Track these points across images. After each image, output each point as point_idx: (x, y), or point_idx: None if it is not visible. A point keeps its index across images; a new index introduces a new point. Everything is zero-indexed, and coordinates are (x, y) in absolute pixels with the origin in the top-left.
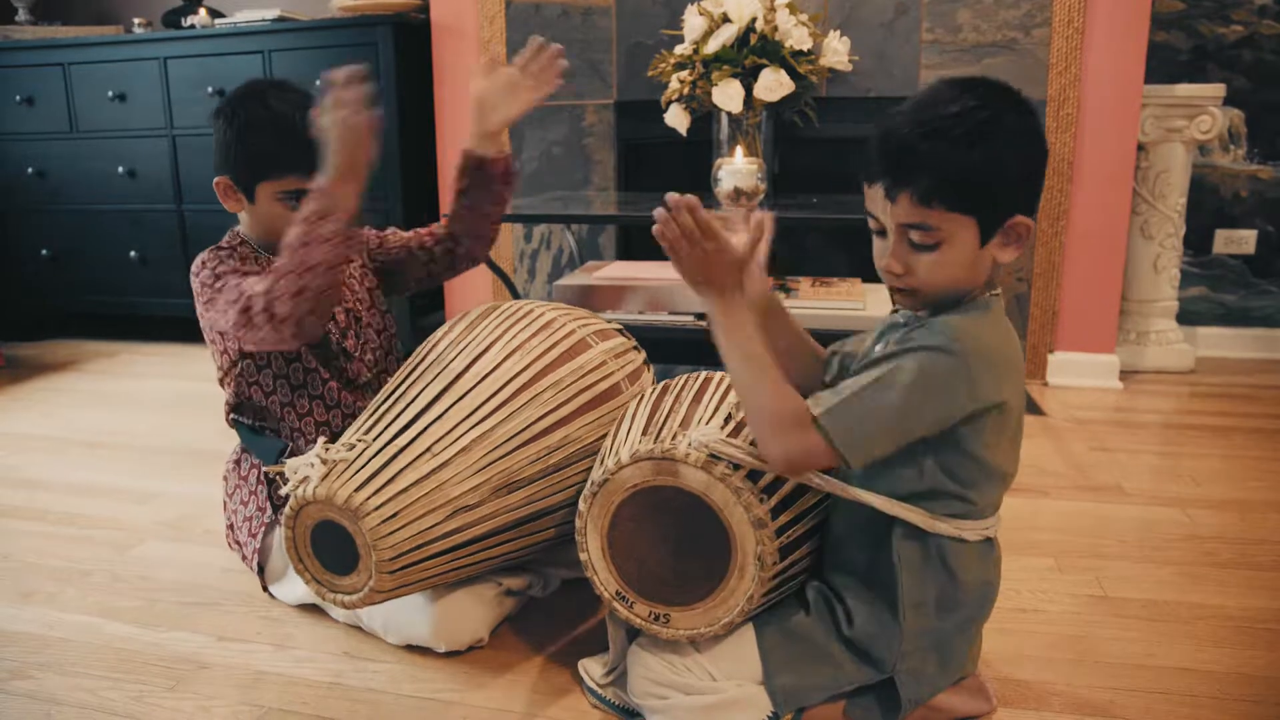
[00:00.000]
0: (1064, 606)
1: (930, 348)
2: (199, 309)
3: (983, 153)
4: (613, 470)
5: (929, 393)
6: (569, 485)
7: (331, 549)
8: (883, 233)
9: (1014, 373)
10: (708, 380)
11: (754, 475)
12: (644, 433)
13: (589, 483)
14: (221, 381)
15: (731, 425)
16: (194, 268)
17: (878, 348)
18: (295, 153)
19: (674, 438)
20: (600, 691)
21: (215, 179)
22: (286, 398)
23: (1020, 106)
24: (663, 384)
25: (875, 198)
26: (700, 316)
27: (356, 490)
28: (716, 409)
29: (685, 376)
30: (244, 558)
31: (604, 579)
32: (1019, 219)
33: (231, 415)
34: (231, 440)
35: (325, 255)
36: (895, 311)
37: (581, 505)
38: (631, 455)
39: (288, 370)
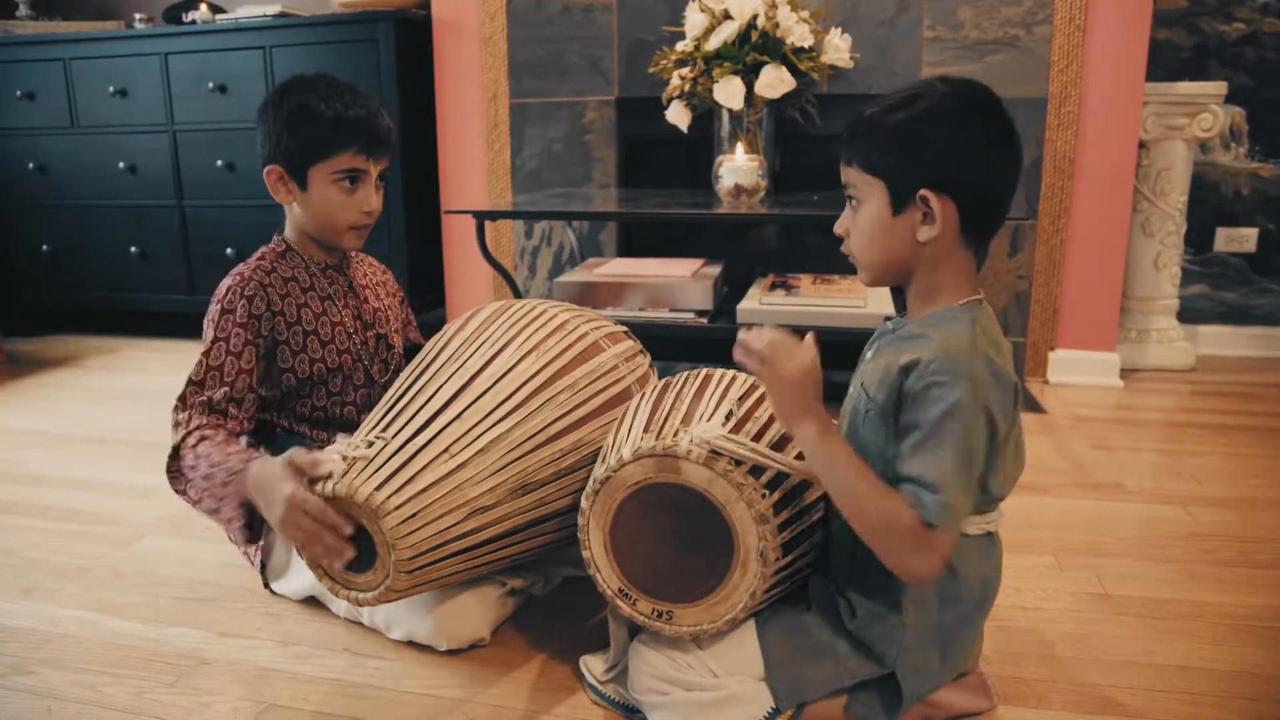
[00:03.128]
0: (1064, 604)
1: (943, 385)
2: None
3: (894, 122)
4: (615, 468)
5: (968, 430)
6: (578, 488)
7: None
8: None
9: (1007, 377)
10: (708, 377)
11: (756, 471)
12: (645, 430)
13: (591, 480)
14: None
15: (733, 422)
16: (218, 291)
17: (869, 354)
18: (347, 132)
19: (675, 434)
20: (601, 688)
21: (266, 169)
22: (300, 422)
23: (950, 100)
24: (663, 381)
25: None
26: (700, 314)
27: (377, 489)
28: (718, 406)
29: (686, 374)
30: (245, 553)
31: (607, 576)
32: (927, 193)
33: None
34: None
35: (209, 510)
36: (886, 319)
37: (584, 503)
38: (633, 452)
39: (309, 412)
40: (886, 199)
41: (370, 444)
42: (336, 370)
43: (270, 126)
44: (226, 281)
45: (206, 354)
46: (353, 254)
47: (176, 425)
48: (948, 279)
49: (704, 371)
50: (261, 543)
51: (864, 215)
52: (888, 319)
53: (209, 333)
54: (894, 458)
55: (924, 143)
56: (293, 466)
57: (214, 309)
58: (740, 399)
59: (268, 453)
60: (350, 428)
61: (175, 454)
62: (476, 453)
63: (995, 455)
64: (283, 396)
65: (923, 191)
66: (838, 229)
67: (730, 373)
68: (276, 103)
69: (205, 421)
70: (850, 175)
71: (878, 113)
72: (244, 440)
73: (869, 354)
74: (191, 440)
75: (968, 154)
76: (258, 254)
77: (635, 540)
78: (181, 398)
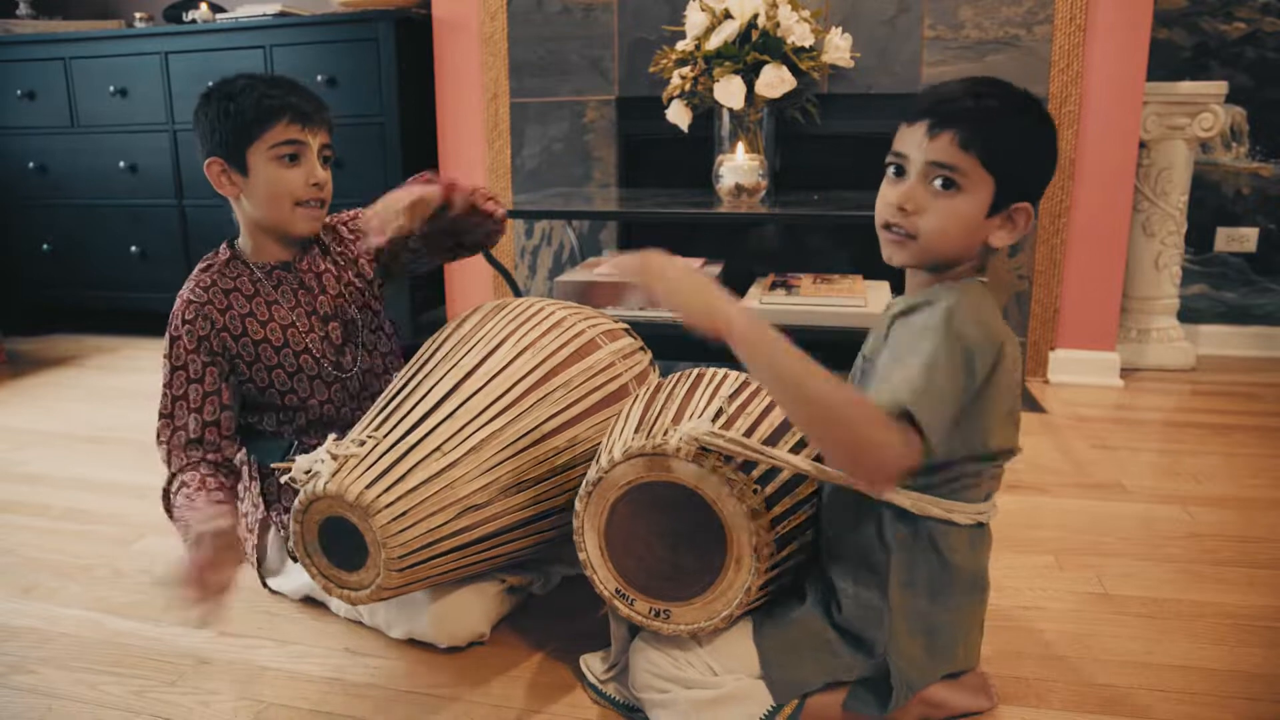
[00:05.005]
0: (1064, 604)
1: (939, 326)
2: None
3: (1020, 128)
4: (606, 468)
5: (954, 366)
6: (573, 486)
7: (340, 545)
8: (902, 173)
9: (1006, 349)
10: (700, 376)
11: (747, 467)
12: (637, 430)
13: (584, 482)
14: None
15: (723, 418)
16: (169, 318)
17: (871, 337)
18: (273, 105)
19: (665, 433)
20: (601, 687)
21: (206, 164)
22: (278, 420)
23: (1053, 125)
24: (657, 383)
25: (912, 135)
26: None
27: (367, 487)
28: (709, 403)
29: (678, 374)
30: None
31: (603, 577)
32: (1024, 205)
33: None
34: None
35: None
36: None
37: (578, 505)
38: (624, 452)
39: (278, 413)
40: (990, 199)
41: (362, 443)
42: (298, 372)
43: (202, 125)
44: (174, 306)
45: (169, 385)
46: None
47: (163, 462)
48: (970, 269)
49: (695, 371)
50: (256, 543)
51: (958, 206)
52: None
53: (165, 365)
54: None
55: (1043, 159)
56: (222, 543)
57: (166, 339)
58: (731, 396)
59: (256, 443)
60: (334, 425)
61: (165, 495)
62: (468, 451)
63: (979, 401)
64: (259, 406)
65: (1024, 205)
66: (904, 202)
67: (722, 371)
68: (204, 102)
69: (186, 462)
70: (960, 159)
71: (1001, 111)
72: (217, 480)
73: (871, 336)
74: (174, 486)
75: (1051, 174)
76: (200, 265)
77: (630, 540)
78: (157, 433)
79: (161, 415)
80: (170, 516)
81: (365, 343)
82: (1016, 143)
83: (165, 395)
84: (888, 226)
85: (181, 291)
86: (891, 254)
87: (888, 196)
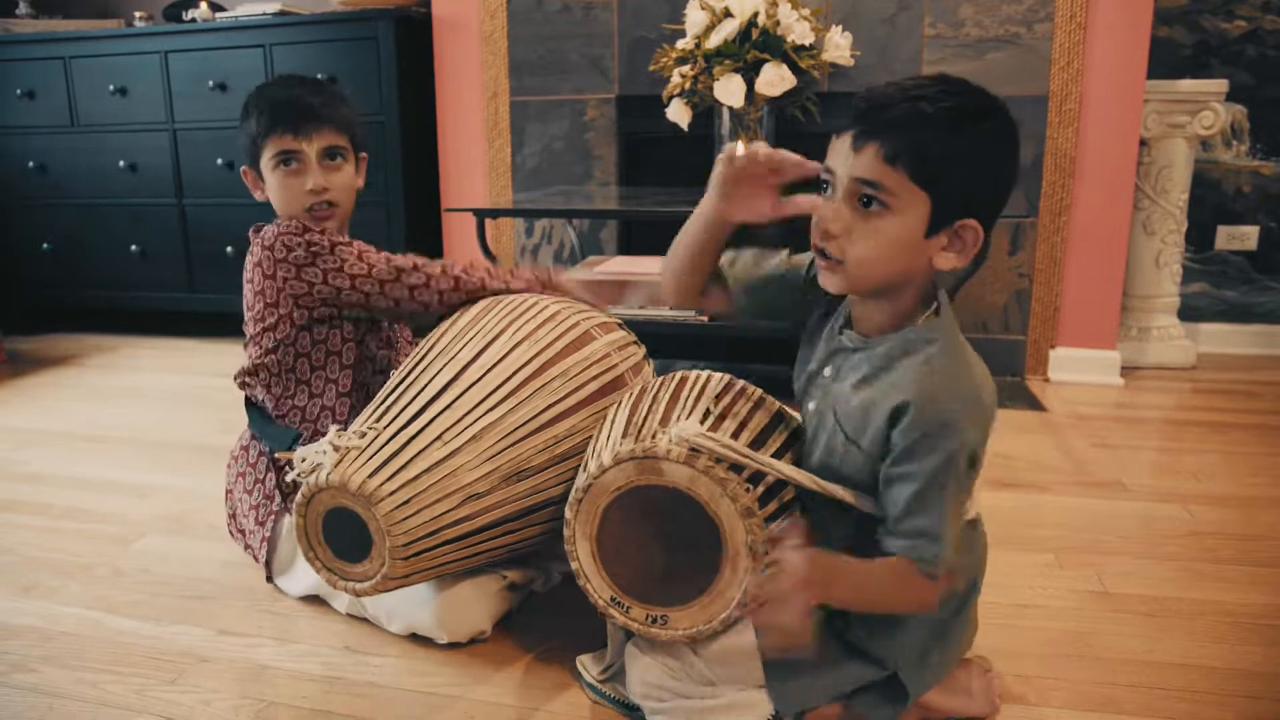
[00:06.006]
0: (1064, 602)
1: (935, 437)
2: (320, 274)
3: (960, 136)
4: (596, 474)
5: (960, 480)
6: (573, 475)
7: (343, 536)
8: (830, 190)
9: (990, 403)
10: (684, 379)
11: (737, 467)
12: (624, 435)
13: (573, 489)
14: (253, 341)
15: (711, 419)
16: (273, 236)
17: (826, 371)
18: (269, 117)
19: (654, 436)
20: (599, 687)
21: (241, 171)
22: (320, 369)
23: (1012, 131)
24: (640, 387)
25: (839, 148)
26: (700, 312)
27: (370, 476)
28: (694, 406)
29: (661, 379)
30: (247, 547)
31: (597, 586)
32: (971, 223)
33: (245, 379)
34: (233, 434)
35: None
36: (840, 332)
37: (568, 513)
38: (614, 457)
39: (342, 350)
40: (925, 218)
41: (363, 434)
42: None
43: (240, 131)
44: (271, 240)
45: (363, 258)
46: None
47: (444, 271)
48: (919, 292)
49: (679, 374)
50: (268, 535)
51: (890, 227)
52: (840, 330)
53: (337, 257)
54: (888, 506)
55: (986, 169)
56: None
57: (303, 251)
58: (717, 397)
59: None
60: (351, 412)
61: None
62: (469, 440)
63: None
64: (312, 377)
65: (969, 221)
66: (832, 225)
67: (706, 372)
68: (243, 111)
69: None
70: (884, 175)
71: (937, 117)
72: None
73: (827, 371)
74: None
75: (1008, 187)
76: (301, 230)
77: (623, 546)
78: (411, 286)
79: (398, 272)
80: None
81: (384, 338)
82: (954, 154)
83: (373, 270)
84: (818, 251)
85: (268, 230)
86: (824, 280)
87: (815, 217)
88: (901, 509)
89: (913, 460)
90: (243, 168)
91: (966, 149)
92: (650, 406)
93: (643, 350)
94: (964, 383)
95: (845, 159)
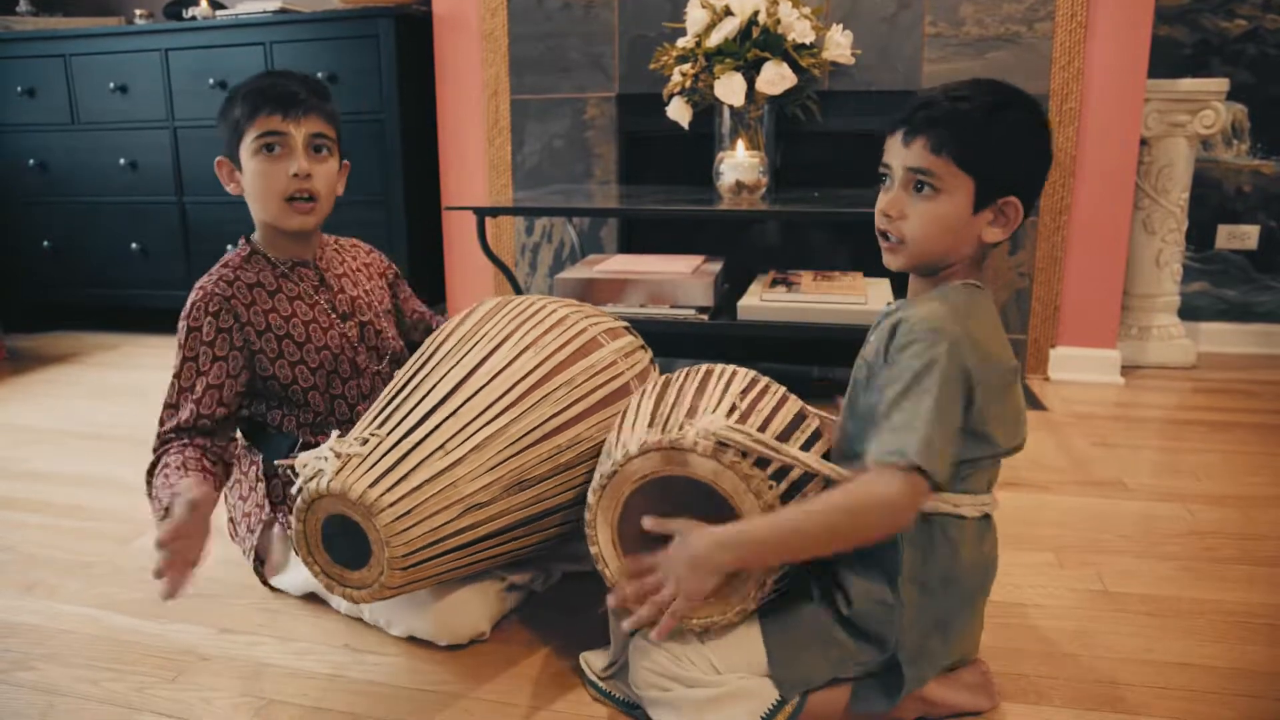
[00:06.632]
0: (1064, 601)
1: (924, 342)
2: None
3: (996, 126)
4: (621, 462)
5: (946, 383)
6: (576, 484)
7: (342, 543)
8: (889, 182)
9: (996, 353)
10: (709, 372)
11: (762, 462)
12: (650, 425)
13: (597, 475)
14: None
15: (737, 414)
16: (185, 309)
17: (871, 336)
18: (255, 98)
19: (681, 428)
20: (601, 684)
21: (216, 163)
22: (290, 416)
23: (1040, 117)
24: (664, 378)
25: (893, 145)
26: (701, 311)
27: (371, 486)
28: (721, 399)
29: (686, 370)
30: (242, 549)
31: (615, 571)
32: (1013, 199)
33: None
34: None
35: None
36: (888, 304)
37: (590, 498)
38: (640, 446)
39: (293, 410)
40: (971, 197)
41: (364, 441)
42: (319, 368)
43: (220, 121)
44: (191, 297)
45: (178, 376)
46: (329, 243)
47: (154, 450)
48: (965, 268)
49: (704, 367)
50: (257, 538)
51: (940, 208)
52: (889, 303)
53: (178, 354)
54: (877, 417)
55: (1020, 152)
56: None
57: (181, 327)
58: (743, 393)
59: (262, 441)
60: (347, 423)
61: (149, 474)
62: (472, 449)
63: (979, 413)
64: (275, 402)
65: (1010, 199)
66: (890, 209)
67: (730, 368)
68: (226, 99)
69: (174, 443)
70: (932, 163)
71: (974, 111)
72: (201, 463)
73: (871, 336)
74: (157, 467)
75: (1043, 166)
76: (221, 262)
77: (643, 534)
78: (160, 422)
79: (166, 405)
80: (149, 496)
81: (380, 346)
82: (992, 141)
83: (173, 386)
84: (882, 234)
85: (201, 283)
86: (888, 260)
87: (878, 205)
88: (885, 408)
89: (899, 361)
90: (218, 159)
91: (1000, 135)
92: (676, 399)
93: (649, 355)
94: (971, 324)
95: (898, 153)
